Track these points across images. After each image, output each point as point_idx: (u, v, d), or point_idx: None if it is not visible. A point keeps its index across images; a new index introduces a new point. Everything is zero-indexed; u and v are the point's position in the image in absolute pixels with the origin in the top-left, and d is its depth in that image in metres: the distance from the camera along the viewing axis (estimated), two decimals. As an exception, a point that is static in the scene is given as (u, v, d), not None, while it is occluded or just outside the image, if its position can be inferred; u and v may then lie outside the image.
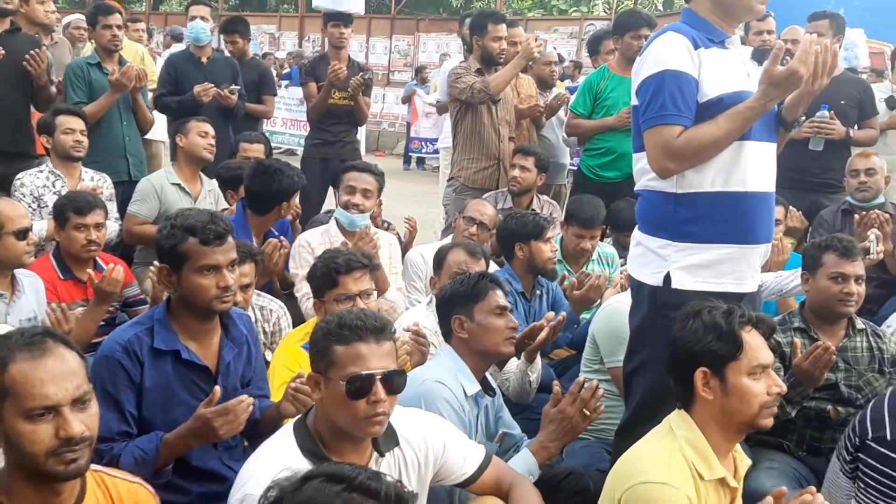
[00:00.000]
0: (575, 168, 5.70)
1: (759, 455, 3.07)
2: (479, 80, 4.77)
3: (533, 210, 4.63)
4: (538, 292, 3.73)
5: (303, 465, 1.75)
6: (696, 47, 2.35)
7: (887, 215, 4.10)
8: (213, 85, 5.02)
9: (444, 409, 2.39)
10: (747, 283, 2.43)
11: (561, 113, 5.57)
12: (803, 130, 4.73)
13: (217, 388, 2.23)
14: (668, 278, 2.39)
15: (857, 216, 4.17)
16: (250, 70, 5.71)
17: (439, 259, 3.38)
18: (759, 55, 5.62)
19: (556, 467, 2.69)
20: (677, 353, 2.04)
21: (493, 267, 3.88)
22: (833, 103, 4.79)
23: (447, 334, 2.63)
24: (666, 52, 2.35)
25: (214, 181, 4.48)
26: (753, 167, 2.39)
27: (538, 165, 4.70)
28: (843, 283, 3.05)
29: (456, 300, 2.60)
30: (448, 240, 4.10)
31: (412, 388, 2.44)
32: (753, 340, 1.98)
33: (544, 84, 5.80)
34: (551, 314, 3.16)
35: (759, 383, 1.96)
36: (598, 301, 3.63)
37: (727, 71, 2.38)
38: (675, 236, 2.40)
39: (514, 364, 3.20)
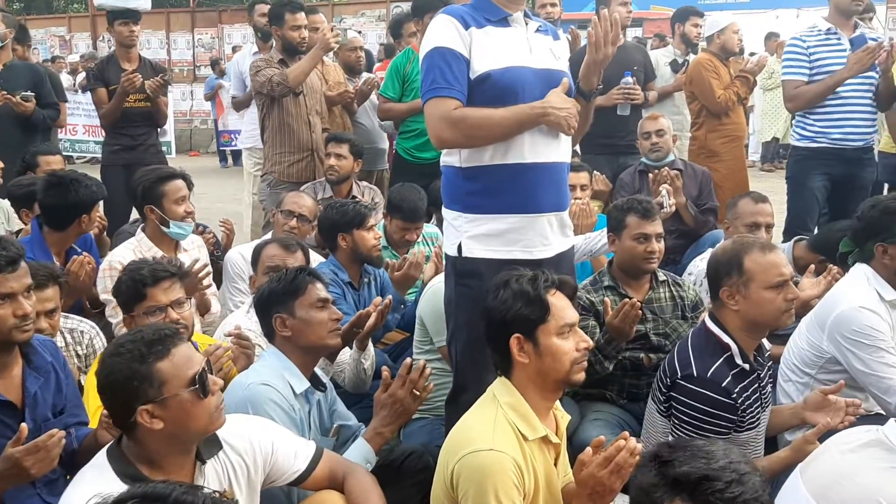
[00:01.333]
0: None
1: (585, 408, 3.26)
2: (277, 73, 4.68)
3: (354, 198, 4.62)
4: (366, 280, 3.73)
5: (119, 489, 1.66)
6: (468, 27, 2.46)
7: (676, 171, 4.44)
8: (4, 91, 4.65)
9: (272, 411, 2.34)
10: (537, 250, 2.54)
11: (374, 97, 5.57)
12: (613, 97, 5.00)
13: (24, 426, 2.06)
14: (460, 247, 2.50)
15: (651, 175, 4.48)
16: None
17: (255, 256, 3.30)
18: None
19: (395, 450, 2.72)
20: (492, 323, 2.11)
21: (320, 259, 3.85)
22: (628, 70, 5.10)
23: (269, 334, 2.58)
24: (435, 32, 2.48)
25: (5, 200, 4.13)
26: (532, 139, 2.49)
27: (353, 152, 4.68)
28: (645, 242, 3.26)
29: (274, 298, 2.55)
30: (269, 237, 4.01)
31: (238, 394, 2.39)
32: (559, 302, 2.08)
33: (352, 70, 5.78)
34: (378, 299, 3.17)
35: (568, 341, 2.06)
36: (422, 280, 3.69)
37: (501, 48, 2.48)
38: (465, 208, 2.52)
39: (346, 354, 3.18)
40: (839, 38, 4.37)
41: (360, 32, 8.74)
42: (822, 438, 2.26)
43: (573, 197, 4.32)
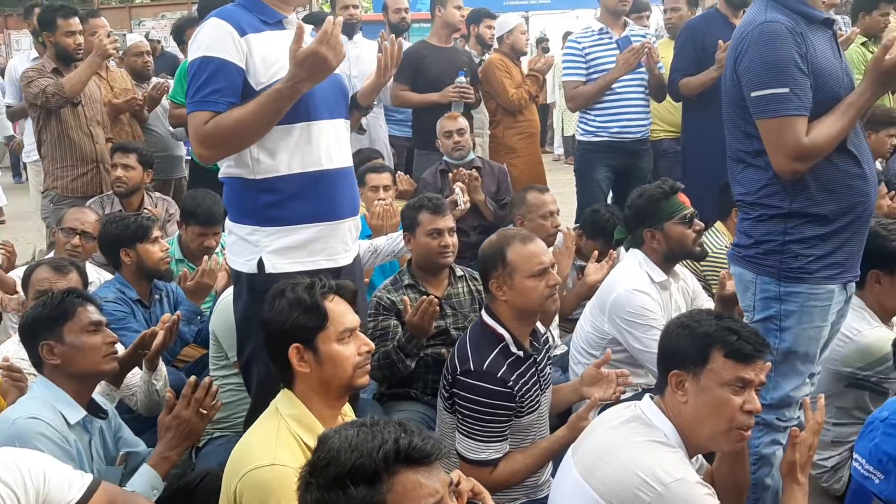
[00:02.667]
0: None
1: (390, 409, 3.28)
2: (51, 83, 4.36)
3: (145, 210, 4.39)
4: (157, 296, 3.55)
5: None
6: (244, 33, 2.32)
7: (474, 170, 4.57)
8: None
9: (42, 445, 2.17)
10: (340, 257, 2.51)
11: (165, 102, 5.33)
12: (449, 94, 5.09)
13: None
14: (261, 264, 2.40)
15: (450, 174, 4.59)
16: None
17: (24, 281, 3.06)
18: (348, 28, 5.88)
19: (189, 473, 2.61)
20: (270, 334, 2.07)
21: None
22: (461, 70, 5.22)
23: (38, 363, 2.39)
24: (206, 38, 2.33)
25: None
26: (327, 145, 2.44)
27: (142, 162, 4.44)
28: (439, 237, 3.33)
29: (40, 324, 2.36)
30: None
31: (5, 431, 2.20)
32: (337, 307, 2.07)
33: (140, 76, 5.49)
34: (166, 316, 3.02)
35: (349, 346, 2.06)
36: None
37: (284, 53, 2.34)
38: (262, 221, 2.41)
39: (137, 376, 3.02)
40: (611, 38, 4.66)
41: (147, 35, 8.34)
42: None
43: (377, 198, 4.35)
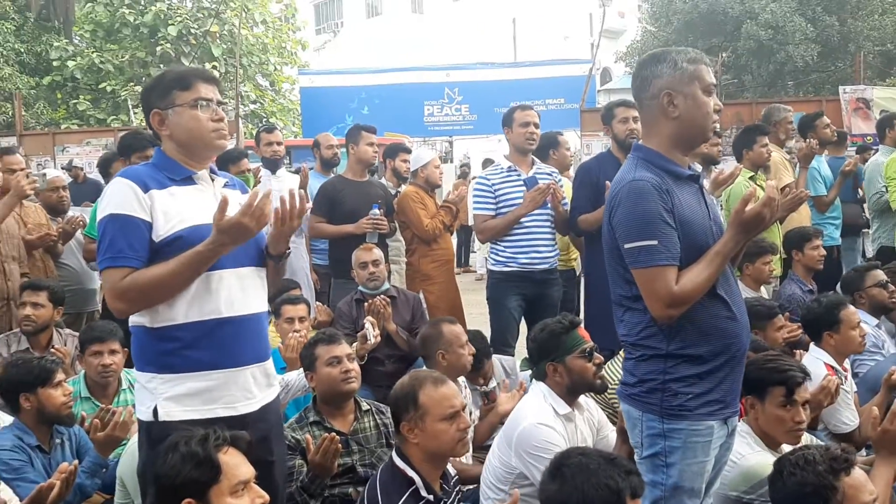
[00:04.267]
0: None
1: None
2: None
3: (52, 348, 4.31)
4: (58, 441, 3.45)
5: None
6: (147, 189, 2.41)
7: (388, 299, 4.67)
8: None
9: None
10: (241, 405, 2.50)
11: (79, 235, 5.33)
12: (363, 225, 5.28)
13: None
14: (156, 411, 2.40)
15: (365, 304, 4.68)
16: None
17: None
18: (271, 164, 6.06)
19: None
20: (163, 489, 2.06)
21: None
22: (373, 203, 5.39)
23: None
24: (112, 197, 2.42)
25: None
26: (228, 293, 2.48)
27: (53, 299, 4.40)
28: (338, 364, 3.40)
29: None
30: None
31: None
32: (231, 460, 2.08)
33: (55, 210, 5.50)
34: (64, 465, 2.94)
35: (243, 499, 2.06)
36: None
37: (187, 207, 2.46)
38: (160, 369, 2.43)
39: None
40: (519, 175, 4.92)
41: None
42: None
43: (292, 329, 4.38)
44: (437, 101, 15.15)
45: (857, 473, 2.24)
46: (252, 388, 2.54)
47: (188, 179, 2.54)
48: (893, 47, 19.95)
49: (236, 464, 2.09)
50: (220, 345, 2.46)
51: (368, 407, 3.51)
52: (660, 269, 2.33)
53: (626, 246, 2.38)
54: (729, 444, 2.61)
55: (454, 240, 7.70)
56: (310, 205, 5.34)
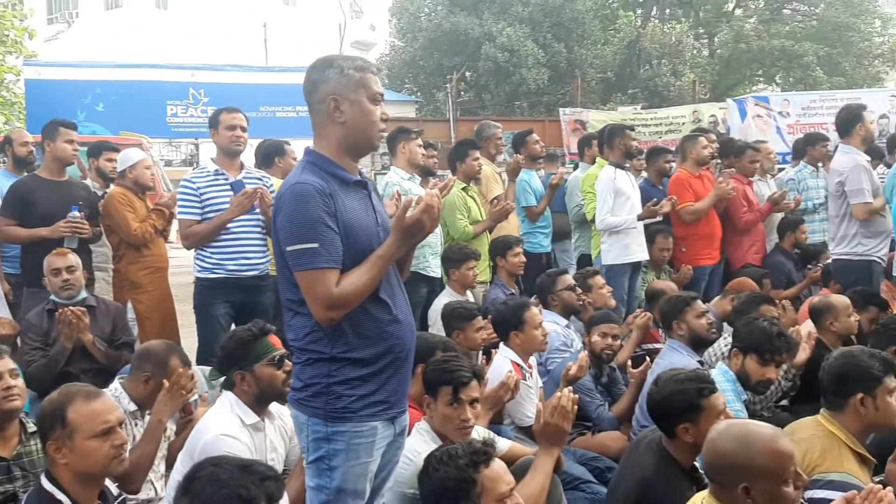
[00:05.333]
0: None
1: None
2: None
3: None
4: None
5: None
6: None
7: (83, 309, 4.30)
8: None
9: None
10: None
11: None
12: (61, 228, 4.91)
13: None
14: None
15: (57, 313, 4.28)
16: None
17: None
18: None
19: None
20: None
21: None
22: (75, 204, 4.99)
23: None
24: None
25: None
26: None
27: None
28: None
29: None
30: None
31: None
32: None
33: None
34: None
35: None
36: None
37: None
38: None
39: None
40: (226, 179, 4.77)
41: None
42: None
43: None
44: (181, 101, 14.38)
45: (496, 465, 2.38)
46: None
47: None
48: (612, 75, 22.25)
49: None
50: None
51: (35, 429, 3.19)
52: (320, 271, 2.34)
53: (288, 248, 2.37)
54: (400, 444, 2.68)
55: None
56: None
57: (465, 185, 5.83)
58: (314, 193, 2.35)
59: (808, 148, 7.41)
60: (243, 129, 4.81)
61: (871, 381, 3.08)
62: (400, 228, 2.43)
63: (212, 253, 4.69)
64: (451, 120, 14.58)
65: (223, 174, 4.77)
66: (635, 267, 6.14)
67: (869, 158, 5.87)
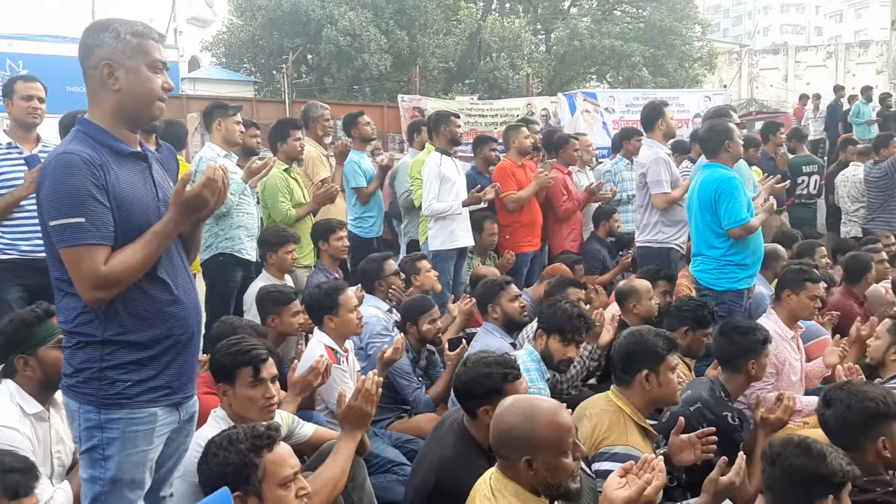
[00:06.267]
0: None
1: None
2: None
3: None
4: None
5: None
6: None
7: None
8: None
9: None
10: None
11: None
12: None
13: None
14: None
15: None
16: None
17: None
18: None
19: None
20: None
21: None
22: None
23: None
24: None
25: None
26: None
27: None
28: None
29: None
30: None
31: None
32: None
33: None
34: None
35: None
36: None
37: None
38: None
39: None
40: (20, 153, 4.40)
41: None
42: None
43: None
44: (-3, 71, 13.41)
45: (280, 449, 2.32)
46: None
47: None
48: (454, 65, 22.56)
49: None
50: None
51: None
52: (87, 247, 2.19)
53: (52, 223, 2.20)
54: (188, 431, 2.57)
55: None
56: None
57: (286, 166, 5.68)
58: (81, 164, 2.19)
59: (624, 142, 7.82)
60: (41, 101, 4.45)
61: (656, 359, 3.29)
62: (179, 203, 2.31)
63: (3, 233, 4.32)
64: (286, 101, 14.28)
65: (17, 147, 4.39)
66: (461, 252, 6.24)
67: (670, 152, 6.26)
